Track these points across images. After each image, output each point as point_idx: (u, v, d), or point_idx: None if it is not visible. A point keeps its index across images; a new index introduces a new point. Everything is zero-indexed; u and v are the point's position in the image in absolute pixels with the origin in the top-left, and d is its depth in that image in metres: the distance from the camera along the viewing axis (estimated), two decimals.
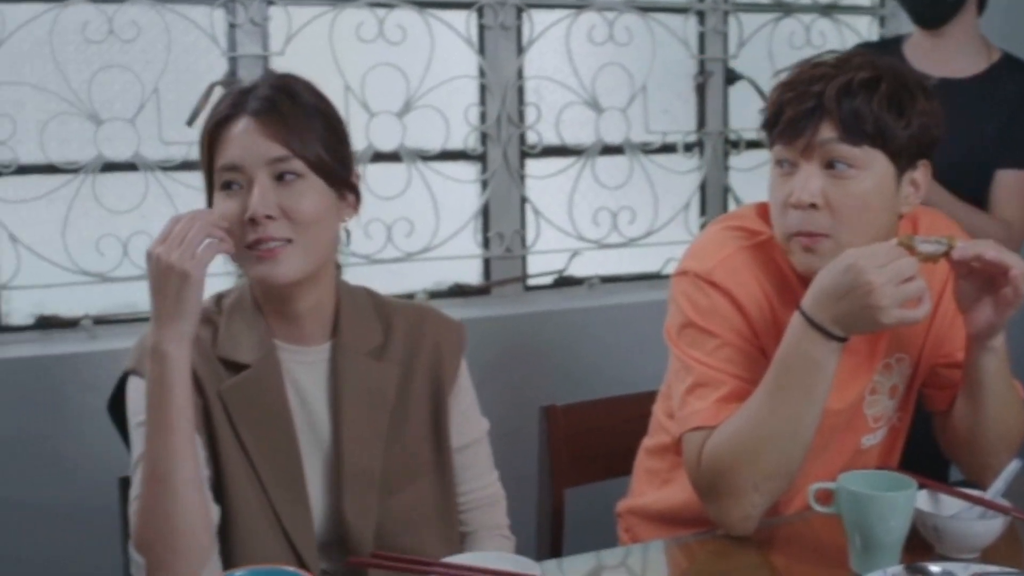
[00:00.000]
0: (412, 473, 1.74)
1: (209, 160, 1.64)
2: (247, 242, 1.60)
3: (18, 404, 2.63)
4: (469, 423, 1.83)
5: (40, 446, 2.64)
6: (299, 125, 1.61)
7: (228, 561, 1.61)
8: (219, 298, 1.73)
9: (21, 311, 2.79)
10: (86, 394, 2.60)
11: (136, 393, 1.64)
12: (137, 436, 1.63)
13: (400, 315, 1.79)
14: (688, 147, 3.42)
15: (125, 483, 1.76)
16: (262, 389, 1.66)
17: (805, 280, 1.77)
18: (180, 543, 1.52)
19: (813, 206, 1.76)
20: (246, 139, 1.60)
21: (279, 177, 1.60)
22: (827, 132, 1.75)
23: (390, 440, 1.72)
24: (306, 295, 1.68)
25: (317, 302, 1.70)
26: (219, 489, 1.64)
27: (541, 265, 3.29)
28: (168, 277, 1.52)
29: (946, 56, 2.66)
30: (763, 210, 1.91)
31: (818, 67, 1.79)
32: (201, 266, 1.53)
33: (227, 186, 1.62)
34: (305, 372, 1.71)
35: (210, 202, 1.65)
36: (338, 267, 1.76)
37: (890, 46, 2.78)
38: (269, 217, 1.59)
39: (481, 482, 1.86)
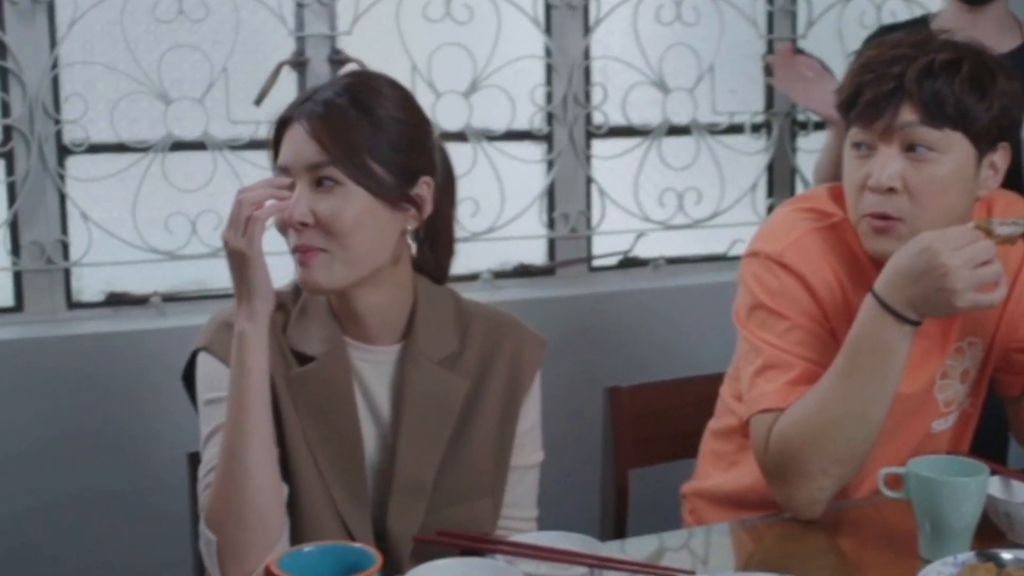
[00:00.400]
0: (469, 490, 1.70)
1: (275, 157, 1.64)
2: (290, 245, 1.60)
3: (89, 379, 2.67)
4: (527, 445, 1.78)
5: (109, 421, 2.68)
6: (346, 131, 1.57)
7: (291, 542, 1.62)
8: (297, 286, 1.70)
9: (92, 288, 2.83)
10: (155, 370, 2.64)
11: (206, 370, 1.65)
12: (206, 413, 1.64)
13: (480, 323, 1.74)
14: (755, 128, 3.39)
15: (194, 459, 1.78)
16: (328, 383, 1.64)
17: (878, 263, 1.74)
18: (253, 521, 1.52)
19: (891, 190, 1.73)
20: (295, 142, 1.59)
21: (318, 183, 1.57)
22: (907, 115, 1.72)
23: (449, 453, 1.69)
24: (363, 297, 1.65)
25: (377, 305, 1.66)
26: (284, 471, 1.64)
27: (606, 246, 3.28)
28: (233, 259, 1.54)
29: (983, 33, 2.59)
30: (836, 192, 1.88)
31: (897, 48, 1.76)
32: (252, 244, 1.52)
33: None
34: (372, 371, 1.69)
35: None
36: (417, 268, 1.72)
37: (917, 25, 2.73)
38: (304, 224, 1.57)
39: (519, 512, 1.79)
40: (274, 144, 1.64)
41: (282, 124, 1.62)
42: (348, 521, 1.64)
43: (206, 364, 1.65)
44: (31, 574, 2.62)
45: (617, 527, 2.23)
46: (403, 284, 1.69)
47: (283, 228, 1.59)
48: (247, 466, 1.53)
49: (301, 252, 1.58)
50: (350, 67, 2.84)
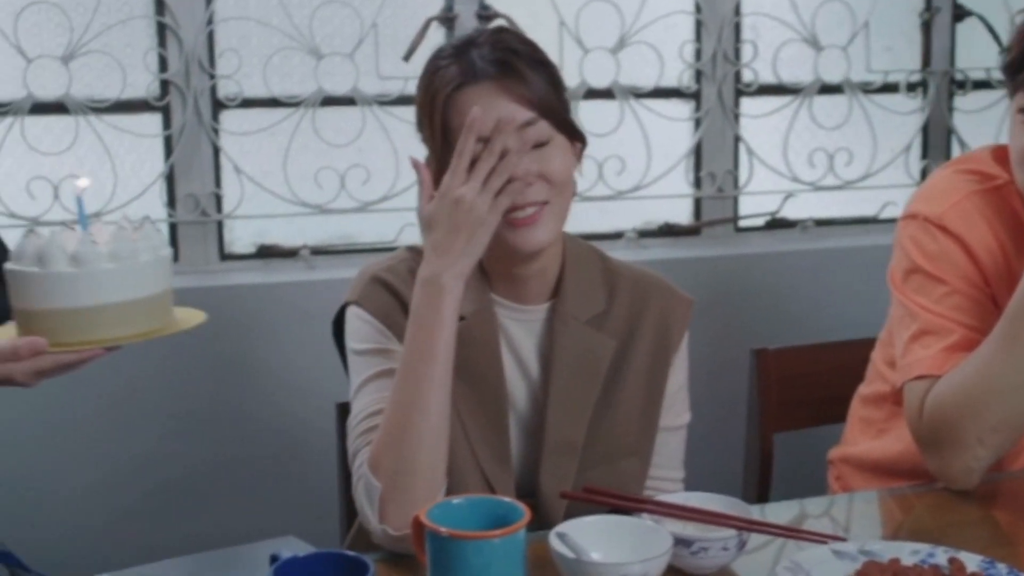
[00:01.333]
0: (616, 450, 1.70)
1: (443, 125, 1.61)
2: (500, 206, 1.57)
3: (239, 328, 2.73)
4: (675, 406, 1.78)
5: (259, 369, 2.74)
6: (536, 83, 1.59)
7: None
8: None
9: (243, 240, 2.89)
10: (303, 321, 2.69)
11: (356, 323, 1.67)
12: (356, 364, 1.66)
13: (626, 283, 1.74)
14: (911, 87, 3.29)
15: (343, 409, 1.81)
16: (475, 342, 1.64)
17: None
18: (426, 470, 1.51)
19: None
20: (492, 104, 1.57)
21: (529, 139, 1.58)
22: None
23: (597, 413, 1.68)
24: (541, 258, 1.66)
25: (544, 264, 1.67)
26: None
27: (753, 206, 3.22)
28: (468, 217, 1.51)
29: None
30: (1000, 153, 1.82)
31: None
32: (498, 213, 1.53)
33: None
34: (520, 330, 1.69)
35: (439, 164, 1.61)
36: None
37: None
38: (527, 184, 1.58)
39: (666, 473, 1.78)
40: (443, 111, 1.60)
41: (456, 89, 1.59)
42: (491, 479, 1.64)
43: (357, 317, 1.67)
44: (189, 519, 2.71)
45: (760, 491, 2.20)
46: (560, 242, 1.70)
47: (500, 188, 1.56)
48: (428, 417, 1.51)
49: (524, 211, 1.58)
50: (498, 23, 2.84)
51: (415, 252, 1.68)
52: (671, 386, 1.75)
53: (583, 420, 1.67)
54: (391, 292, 1.65)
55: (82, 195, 1.54)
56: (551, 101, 1.60)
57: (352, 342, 1.68)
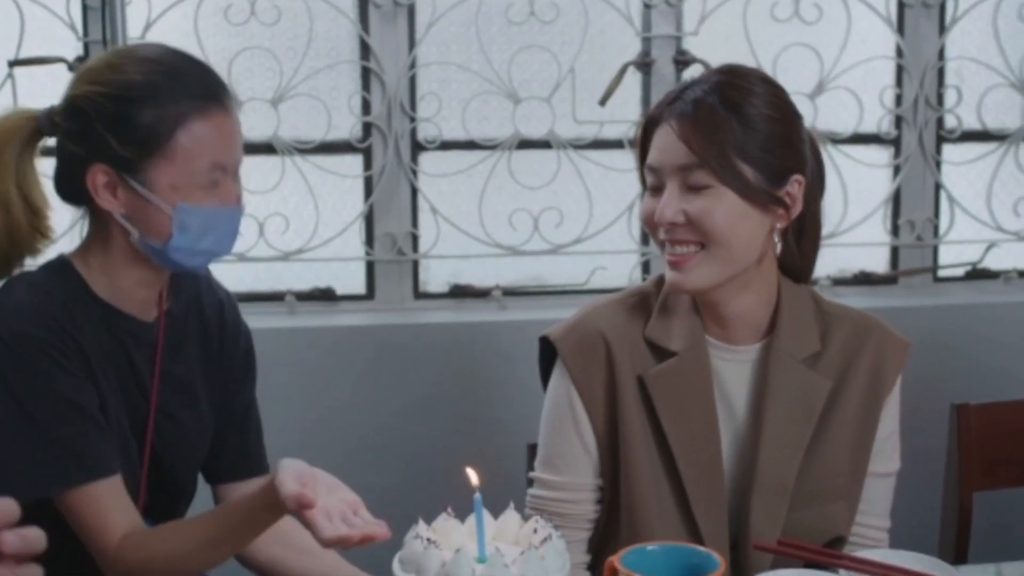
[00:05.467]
0: (825, 493, 1.67)
1: (642, 155, 1.65)
2: (661, 239, 1.62)
3: (434, 366, 2.79)
4: (886, 451, 1.73)
5: (453, 406, 2.79)
6: (715, 132, 1.56)
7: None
8: (659, 281, 1.72)
9: (438, 279, 2.95)
10: (495, 360, 2.73)
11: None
12: None
13: (841, 324, 1.71)
14: None
15: (532, 449, 1.83)
16: (688, 380, 1.65)
17: None
18: None
19: None
20: (664, 142, 1.60)
21: (688, 184, 1.58)
22: None
23: (809, 453, 1.66)
24: (732, 300, 1.65)
25: (746, 307, 1.66)
26: (619, 472, 1.66)
27: (953, 256, 3.13)
28: None
29: None
30: None
31: None
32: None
33: (651, 187, 1.63)
34: (730, 370, 1.68)
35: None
36: (782, 269, 1.71)
37: None
38: (674, 224, 1.58)
39: (872, 520, 1.74)
40: (642, 143, 1.65)
41: (651, 123, 1.63)
42: (701, 521, 1.63)
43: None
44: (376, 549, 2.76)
45: (958, 551, 2.13)
46: (768, 283, 1.68)
47: (653, 227, 1.61)
48: None
49: (672, 253, 1.60)
50: (695, 68, 2.84)
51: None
52: (882, 430, 1.72)
53: (795, 460, 1.65)
54: None
55: (479, 495, 1.34)
56: (727, 152, 1.56)
57: None
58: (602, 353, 1.65)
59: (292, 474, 1.41)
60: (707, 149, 1.56)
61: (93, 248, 1.65)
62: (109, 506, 1.57)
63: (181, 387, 1.72)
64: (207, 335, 1.77)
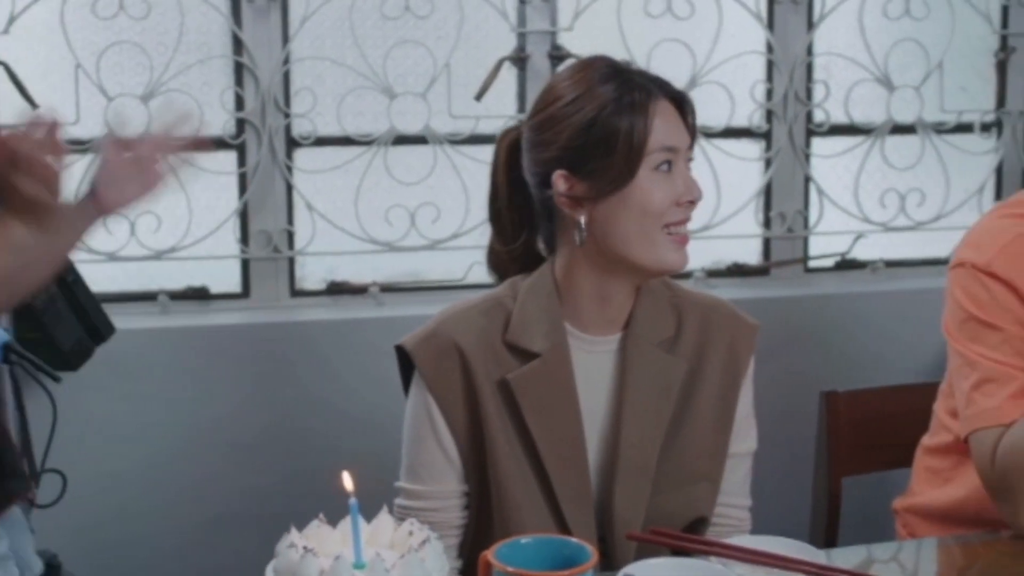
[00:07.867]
0: (688, 475, 1.71)
1: (628, 135, 1.62)
2: (670, 221, 1.63)
3: (311, 364, 2.76)
4: (743, 431, 1.78)
5: (326, 404, 2.77)
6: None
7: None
8: (514, 284, 1.73)
9: (314, 276, 2.93)
10: (373, 358, 2.70)
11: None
12: None
13: (693, 308, 1.75)
14: (985, 127, 3.25)
15: None
16: (552, 379, 1.67)
17: None
18: None
19: None
20: (674, 122, 1.66)
21: (685, 163, 1.67)
22: None
23: (670, 435, 1.70)
24: (624, 289, 1.71)
25: (628, 295, 1.71)
26: (485, 477, 1.67)
27: (823, 247, 3.21)
28: None
29: None
30: None
31: None
32: None
33: (664, 165, 1.64)
34: (593, 361, 1.71)
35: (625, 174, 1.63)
36: None
37: None
38: (694, 202, 1.66)
39: (735, 500, 1.79)
40: (626, 132, 1.63)
41: (639, 109, 1.63)
42: (568, 515, 1.65)
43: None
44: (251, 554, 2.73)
45: (828, 535, 2.18)
46: None
47: (676, 207, 1.64)
48: None
49: (681, 233, 1.65)
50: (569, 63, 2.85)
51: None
52: (740, 411, 1.76)
53: (656, 442, 1.68)
54: None
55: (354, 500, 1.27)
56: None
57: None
58: (457, 361, 1.66)
59: None
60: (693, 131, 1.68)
61: None
62: None
63: None
64: None
